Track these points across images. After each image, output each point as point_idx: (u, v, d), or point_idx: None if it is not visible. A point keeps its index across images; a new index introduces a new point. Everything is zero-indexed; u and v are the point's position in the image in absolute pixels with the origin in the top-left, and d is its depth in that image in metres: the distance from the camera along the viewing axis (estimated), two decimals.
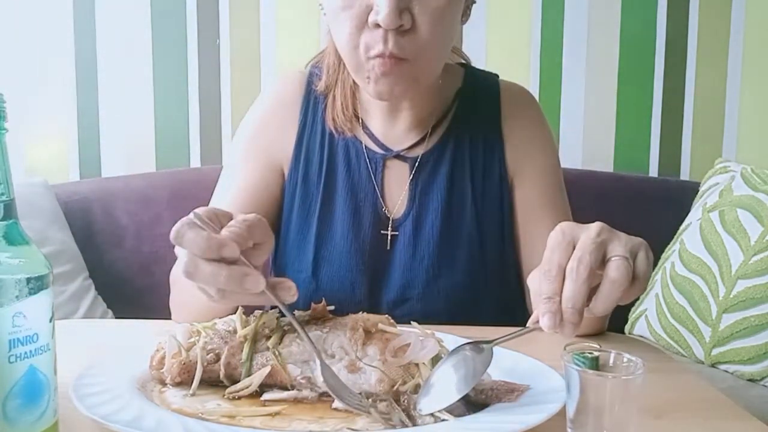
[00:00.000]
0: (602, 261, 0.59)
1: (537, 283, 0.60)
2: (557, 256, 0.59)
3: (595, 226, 0.61)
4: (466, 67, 1.06)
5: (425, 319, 0.82)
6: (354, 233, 0.94)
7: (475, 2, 0.95)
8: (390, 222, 0.95)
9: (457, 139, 0.98)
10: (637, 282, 0.60)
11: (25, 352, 0.46)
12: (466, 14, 0.93)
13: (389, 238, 0.95)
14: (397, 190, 0.97)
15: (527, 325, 0.61)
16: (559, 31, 1.86)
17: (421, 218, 0.95)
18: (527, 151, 0.99)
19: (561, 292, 0.58)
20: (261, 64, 1.85)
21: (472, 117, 0.99)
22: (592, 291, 0.58)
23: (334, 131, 0.98)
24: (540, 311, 0.58)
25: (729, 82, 1.88)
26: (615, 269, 0.58)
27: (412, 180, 0.96)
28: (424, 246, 0.94)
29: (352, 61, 0.86)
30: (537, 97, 1.12)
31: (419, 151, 0.97)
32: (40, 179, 1.64)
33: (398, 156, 0.97)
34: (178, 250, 0.61)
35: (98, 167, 1.85)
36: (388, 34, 0.81)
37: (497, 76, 1.05)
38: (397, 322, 0.88)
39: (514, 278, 0.99)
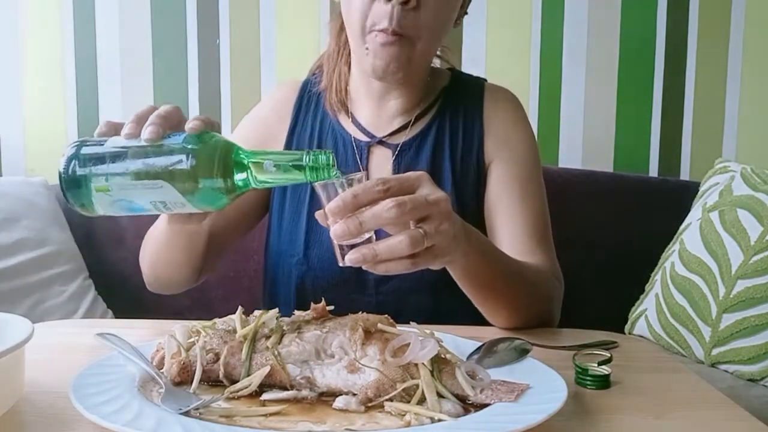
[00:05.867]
0: None
1: None
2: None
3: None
4: (454, 71, 1.14)
5: (409, 294, 0.96)
6: None
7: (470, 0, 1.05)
8: None
9: (439, 129, 1.06)
10: None
11: None
12: (464, 6, 1.02)
13: None
14: (380, 175, 1.01)
15: None
16: (559, 32, 1.86)
17: None
18: (505, 140, 1.06)
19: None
20: (261, 64, 1.85)
21: (455, 111, 1.08)
22: None
23: (330, 113, 1.07)
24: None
25: (729, 82, 1.88)
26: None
27: (394, 163, 1.04)
28: None
29: (357, 29, 0.94)
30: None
31: (402, 138, 1.05)
32: (40, 179, 1.63)
33: (382, 142, 1.05)
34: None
35: None
36: (395, 9, 0.90)
37: (485, 80, 1.13)
38: (384, 298, 0.90)
39: None
